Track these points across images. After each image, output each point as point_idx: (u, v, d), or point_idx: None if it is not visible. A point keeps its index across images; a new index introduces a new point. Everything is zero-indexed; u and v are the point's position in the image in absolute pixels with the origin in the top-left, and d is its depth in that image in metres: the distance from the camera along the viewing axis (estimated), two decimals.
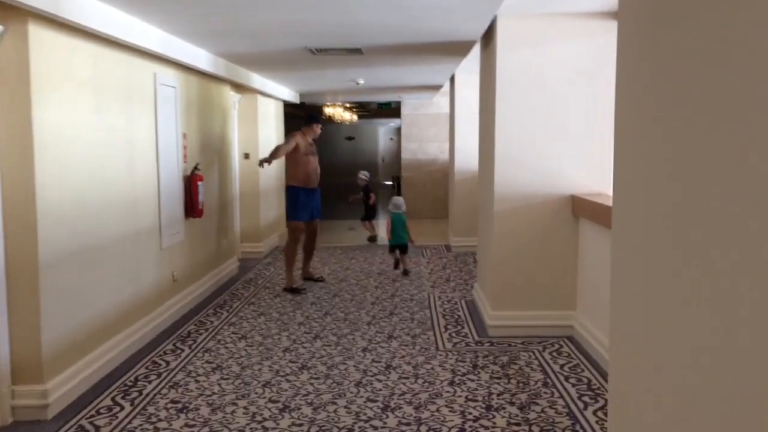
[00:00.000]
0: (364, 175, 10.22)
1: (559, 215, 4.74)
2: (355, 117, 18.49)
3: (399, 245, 7.14)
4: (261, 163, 6.28)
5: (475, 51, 6.14)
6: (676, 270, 1.34)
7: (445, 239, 9.55)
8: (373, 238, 9.81)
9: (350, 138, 22.63)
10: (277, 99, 9.40)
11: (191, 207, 5.63)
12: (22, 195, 3.32)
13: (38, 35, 3.33)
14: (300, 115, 7.45)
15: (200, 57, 5.37)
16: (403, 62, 6.19)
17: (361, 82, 7.94)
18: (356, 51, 5.35)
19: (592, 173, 4.71)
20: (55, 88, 3.52)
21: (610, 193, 4.75)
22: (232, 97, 7.54)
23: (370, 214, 10.16)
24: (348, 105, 15.45)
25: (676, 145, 1.34)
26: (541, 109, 4.68)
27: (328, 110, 14.60)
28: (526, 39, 4.62)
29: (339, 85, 8.64)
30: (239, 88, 7.95)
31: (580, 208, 4.59)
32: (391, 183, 17.60)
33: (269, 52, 5.57)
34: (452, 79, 8.64)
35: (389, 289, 6.43)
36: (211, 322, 5.28)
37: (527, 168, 4.72)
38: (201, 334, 4.92)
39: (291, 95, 9.70)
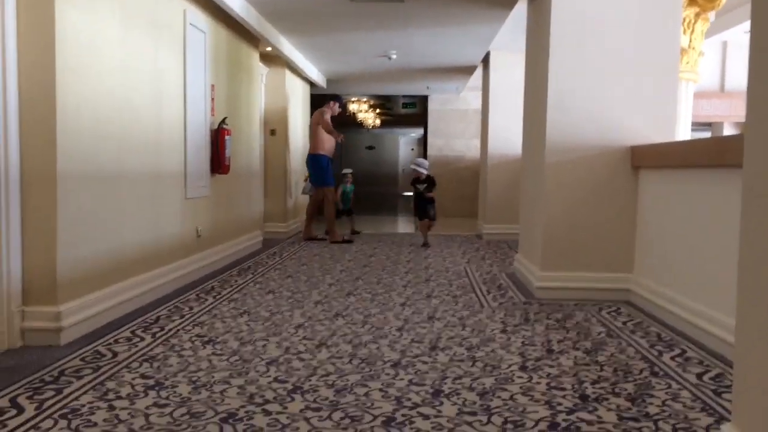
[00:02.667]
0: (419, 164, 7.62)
1: (617, 168, 4.36)
2: (377, 121, 18.26)
3: (345, 210, 8.44)
4: (341, 138, 7.58)
5: (513, 23, 5.87)
6: None
7: (475, 230, 9.20)
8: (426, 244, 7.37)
9: (371, 147, 22.42)
10: (305, 79, 9.14)
11: (218, 162, 5.32)
12: (41, 97, 3.02)
13: None
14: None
15: None
16: (443, 17, 5.87)
17: (394, 56, 7.65)
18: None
19: (652, 123, 4.34)
20: None
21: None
22: (260, 68, 7.28)
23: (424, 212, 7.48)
24: (372, 103, 15.21)
25: None
26: (596, 56, 4.33)
27: (353, 106, 14.36)
28: None
29: (370, 62, 8.34)
30: (267, 60, 7.70)
31: (642, 156, 4.21)
32: (412, 193, 17.22)
33: None
34: (485, 61, 8.36)
35: (422, 263, 6.06)
36: (236, 280, 4.94)
37: (582, 117, 4.36)
38: (225, 289, 4.57)
39: (318, 77, 9.44)
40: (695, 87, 5.58)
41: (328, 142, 7.52)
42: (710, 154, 3.27)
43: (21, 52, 2.99)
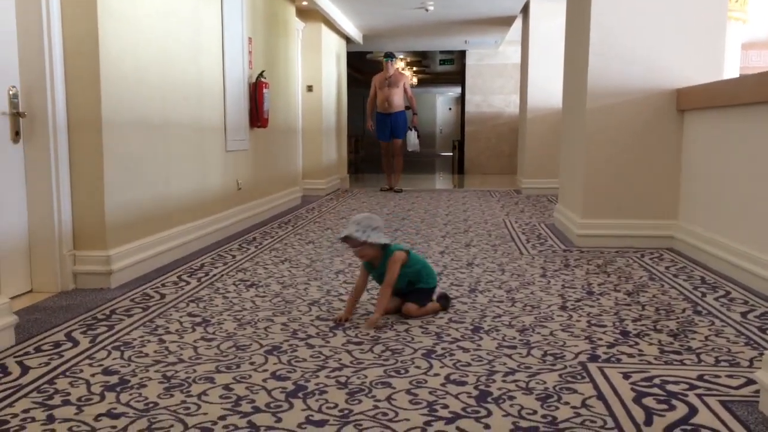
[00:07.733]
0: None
1: (661, 111, 4.24)
2: (414, 79, 18.08)
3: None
4: (370, 126, 8.75)
5: None
6: None
7: (513, 186, 9.12)
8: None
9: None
10: (341, 34, 9.07)
11: (256, 115, 5.36)
12: (85, 44, 3.07)
13: None
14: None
15: None
16: None
17: (431, 7, 7.52)
18: None
19: (700, 65, 4.19)
20: None
21: None
22: (296, 23, 7.25)
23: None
24: (408, 60, 15.04)
25: None
26: None
27: None
28: None
29: (407, 15, 8.22)
30: (304, 15, 7.66)
31: (688, 98, 4.09)
32: (451, 154, 17.24)
33: None
34: (525, 11, 8.16)
35: (460, 215, 6.05)
36: (277, 232, 5.02)
37: (624, 61, 4.24)
38: (267, 240, 4.65)
39: (354, 32, 9.36)
40: (745, 33, 5.34)
41: (378, 98, 8.54)
42: (763, 89, 3.15)
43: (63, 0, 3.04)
